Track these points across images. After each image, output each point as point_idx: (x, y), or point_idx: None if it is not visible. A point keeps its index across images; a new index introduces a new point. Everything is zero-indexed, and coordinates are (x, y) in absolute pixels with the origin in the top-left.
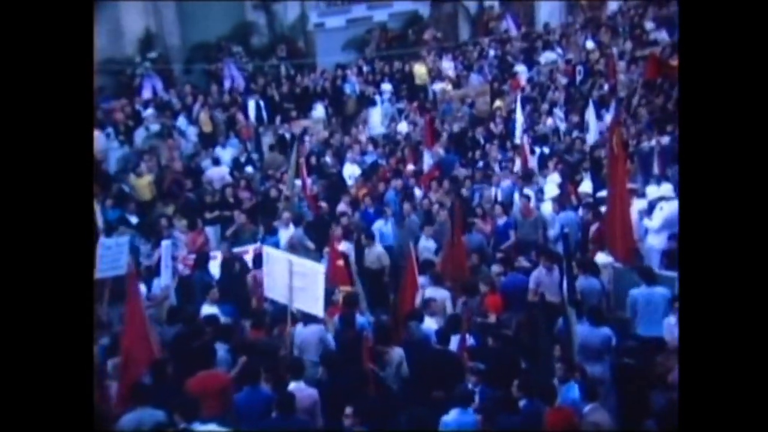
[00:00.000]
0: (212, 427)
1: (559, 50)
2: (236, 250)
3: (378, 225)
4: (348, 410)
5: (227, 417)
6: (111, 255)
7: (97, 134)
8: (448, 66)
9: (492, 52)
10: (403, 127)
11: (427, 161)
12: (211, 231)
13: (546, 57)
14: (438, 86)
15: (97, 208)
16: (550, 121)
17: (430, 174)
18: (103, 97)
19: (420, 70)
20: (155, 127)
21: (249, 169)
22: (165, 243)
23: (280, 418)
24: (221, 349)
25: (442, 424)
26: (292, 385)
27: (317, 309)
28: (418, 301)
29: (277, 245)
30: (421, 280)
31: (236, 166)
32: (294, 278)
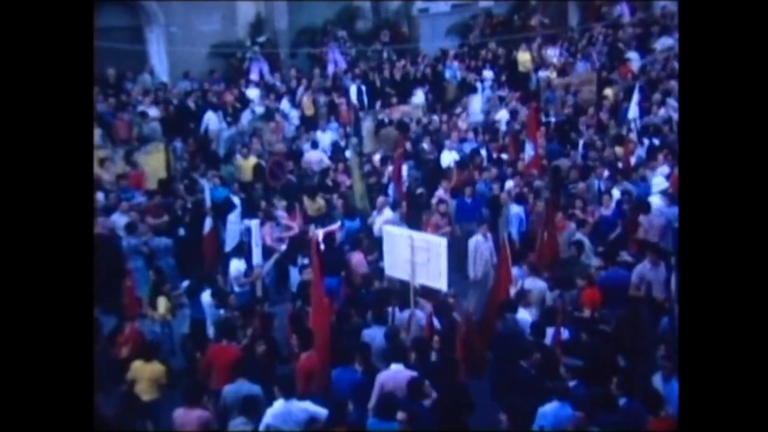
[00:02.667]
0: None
1: (678, 36)
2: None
3: (515, 210)
4: (401, 416)
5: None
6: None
7: (210, 114)
8: (553, 53)
9: (602, 39)
10: (503, 114)
11: (529, 151)
12: None
13: (662, 43)
14: (542, 74)
15: (206, 187)
16: (662, 111)
17: (532, 164)
18: (214, 79)
19: (524, 57)
20: (260, 110)
21: (348, 153)
22: (254, 223)
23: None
24: (381, 332)
25: (539, 415)
26: (393, 367)
27: (441, 283)
28: (512, 291)
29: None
30: (515, 270)
31: (335, 150)
32: (416, 253)
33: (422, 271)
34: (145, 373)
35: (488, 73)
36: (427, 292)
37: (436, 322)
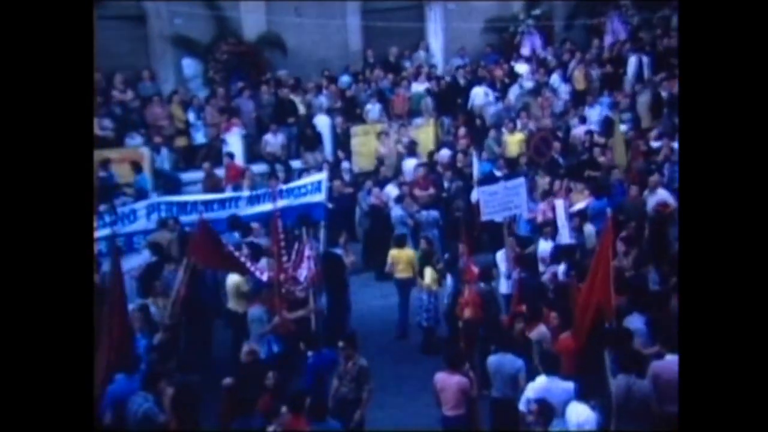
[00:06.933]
0: None
1: None
2: None
3: None
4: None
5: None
6: (496, 199)
7: (477, 90)
8: None
9: None
10: None
11: None
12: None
13: None
14: None
15: (475, 161)
16: None
17: None
18: (485, 54)
19: None
20: (529, 84)
21: (623, 127)
22: (558, 202)
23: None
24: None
25: None
26: (669, 357)
27: None
28: None
29: None
30: None
31: (606, 126)
32: None
33: None
34: (401, 258)
35: None
36: None
37: None
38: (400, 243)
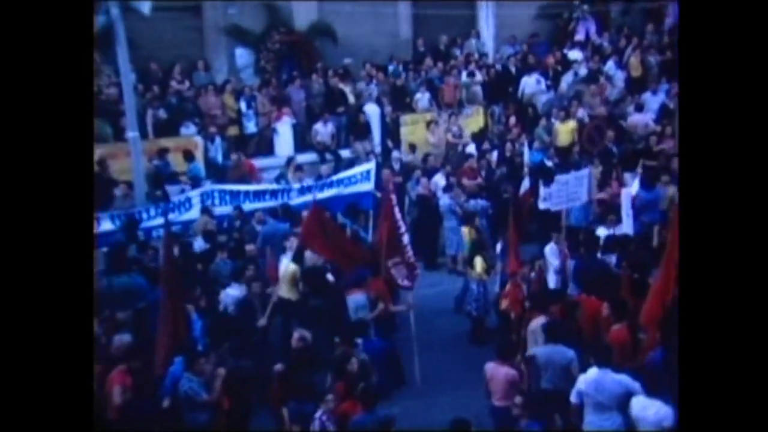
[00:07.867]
0: None
1: None
2: None
3: None
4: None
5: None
6: (565, 190)
7: (527, 78)
8: None
9: None
10: None
11: None
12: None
13: None
14: None
15: (526, 150)
16: None
17: None
18: (537, 42)
19: None
20: (583, 72)
21: None
22: (625, 191)
23: None
24: None
25: None
26: None
27: None
28: None
29: None
30: None
31: (665, 113)
32: None
33: None
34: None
35: None
36: None
37: None
38: (470, 221)
